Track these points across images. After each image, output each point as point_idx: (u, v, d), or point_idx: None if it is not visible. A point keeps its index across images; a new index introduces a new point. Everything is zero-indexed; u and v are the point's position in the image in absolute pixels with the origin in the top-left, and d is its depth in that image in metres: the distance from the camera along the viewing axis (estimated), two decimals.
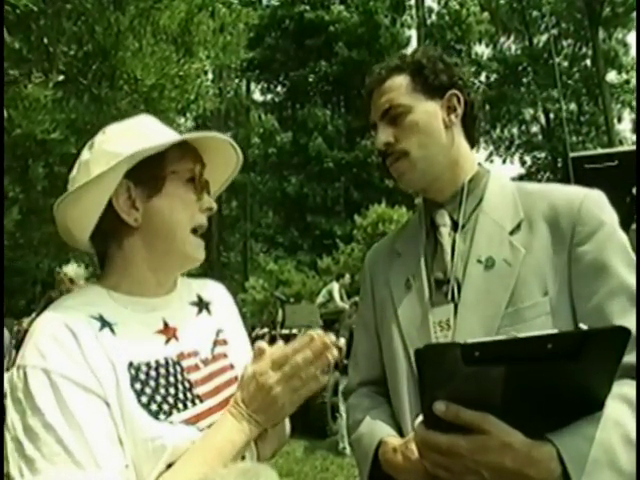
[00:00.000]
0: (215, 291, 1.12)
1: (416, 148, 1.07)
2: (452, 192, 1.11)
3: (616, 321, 0.89)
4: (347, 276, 9.89)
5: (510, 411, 0.77)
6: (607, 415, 0.81)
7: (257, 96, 25.51)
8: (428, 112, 1.07)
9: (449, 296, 1.03)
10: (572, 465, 0.76)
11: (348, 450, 5.46)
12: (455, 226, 1.08)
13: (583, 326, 0.74)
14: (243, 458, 0.92)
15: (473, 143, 1.15)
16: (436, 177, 1.10)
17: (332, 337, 0.87)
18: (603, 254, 0.94)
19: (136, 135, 0.91)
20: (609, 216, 0.98)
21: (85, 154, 0.92)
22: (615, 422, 0.81)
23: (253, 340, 1.01)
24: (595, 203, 0.98)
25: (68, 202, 0.88)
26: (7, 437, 0.75)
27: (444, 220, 1.09)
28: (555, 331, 0.77)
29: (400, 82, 1.09)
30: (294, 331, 7.81)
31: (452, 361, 0.72)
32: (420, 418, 0.84)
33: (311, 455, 5.70)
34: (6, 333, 5.06)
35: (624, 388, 0.84)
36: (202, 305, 1.05)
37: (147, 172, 0.90)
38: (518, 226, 1.02)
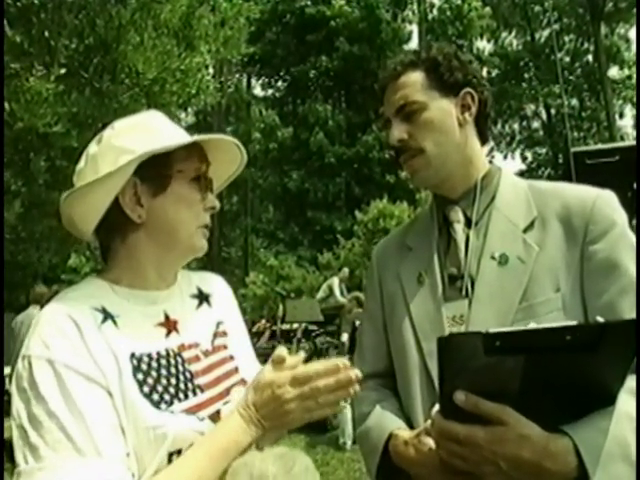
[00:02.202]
0: (215, 284, 1.12)
1: (431, 146, 1.07)
2: (465, 189, 1.11)
3: (626, 318, 0.90)
4: (345, 269, 9.90)
5: (525, 402, 0.78)
6: (619, 408, 0.82)
7: (258, 91, 25.45)
8: (443, 110, 1.08)
9: (463, 292, 1.04)
10: (588, 458, 0.78)
11: (348, 445, 5.49)
12: (468, 222, 1.09)
13: (600, 319, 0.75)
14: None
15: (485, 141, 1.15)
16: (450, 174, 1.10)
17: (357, 372, 0.85)
18: (614, 253, 0.95)
19: (144, 131, 0.92)
20: (620, 216, 0.99)
21: (93, 147, 0.93)
22: (628, 415, 0.82)
23: (253, 335, 1.01)
24: (607, 203, 1.00)
25: (75, 197, 0.88)
26: (13, 425, 0.76)
27: (458, 216, 1.10)
28: (574, 323, 0.77)
29: (415, 78, 1.08)
30: (295, 326, 7.84)
31: (473, 350, 0.73)
32: (436, 407, 0.84)
33: (311, 450, 5.71)
34: None
35: (635, 383, 0.85)
36: (202, 297, 1.06)
37: (154, 170, 0.90)
38: (531, 224, 1.03)
